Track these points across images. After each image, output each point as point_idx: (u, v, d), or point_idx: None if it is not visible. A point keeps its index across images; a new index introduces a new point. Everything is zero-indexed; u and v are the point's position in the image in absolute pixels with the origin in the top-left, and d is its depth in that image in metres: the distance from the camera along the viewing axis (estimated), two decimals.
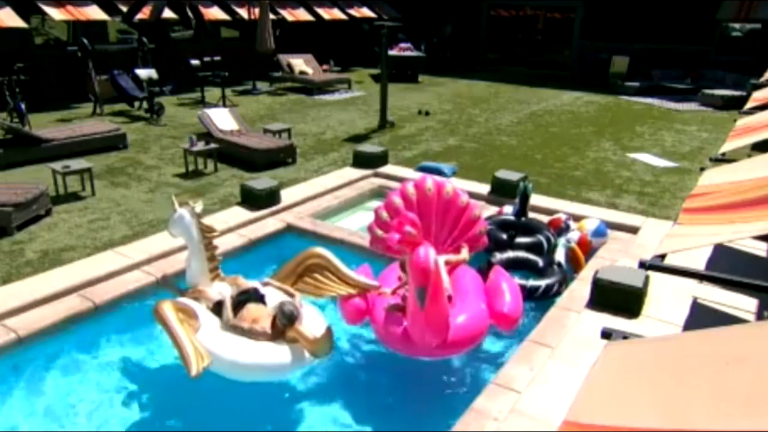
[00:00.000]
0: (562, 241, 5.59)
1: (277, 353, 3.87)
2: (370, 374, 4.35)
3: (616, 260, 5.50)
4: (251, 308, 4.13)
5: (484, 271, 4.92)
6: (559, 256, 5.42)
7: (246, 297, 4.24)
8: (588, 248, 5.78)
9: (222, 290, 4.38)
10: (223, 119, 9.68)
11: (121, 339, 4.56)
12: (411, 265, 3.82)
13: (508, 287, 4.44)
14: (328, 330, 3.89)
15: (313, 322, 4.10)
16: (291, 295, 4.31)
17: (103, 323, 4.66)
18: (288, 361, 3.85)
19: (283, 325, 3.91)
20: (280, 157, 8.79)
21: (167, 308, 3.79)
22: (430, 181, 4.94)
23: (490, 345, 4.66)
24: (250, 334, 3.94)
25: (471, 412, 3.59)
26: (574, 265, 5.41)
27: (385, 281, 4.58)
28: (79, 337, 4.50)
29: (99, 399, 3.99)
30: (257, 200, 6.73)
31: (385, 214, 4.91)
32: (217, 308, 4.19)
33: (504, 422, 3.47)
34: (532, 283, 5.07)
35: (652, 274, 4.54)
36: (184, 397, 4.03)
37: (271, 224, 6.48)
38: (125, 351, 4.48)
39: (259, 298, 4.28)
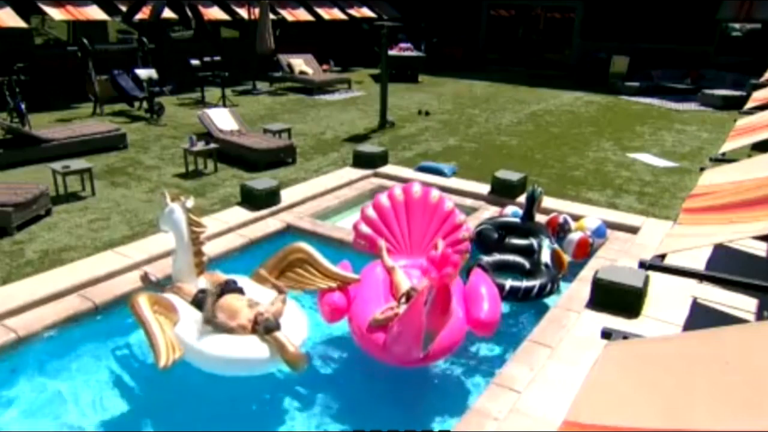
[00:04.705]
0: (546, 242, 5.58)
1: (258, 346, 3.84)
2: (368, 373, 4.34)
3: (616, 260, 5.50)
4: (230, 299, 4.13)
5: (469, 270, 4.96)
6: (545, 257, 5.41)
7: (222, 290, 4.25)
8: (588, 249, 5.77)
9: (203, 285, 4.40)
10: (223, 119, 9.68)
11: (121, 339, 4.55)
12: (434, 310, 3.51)
13: (487, 292, 4.36)
14: (306, 354, 3.89)
15: (294, 325, 4.09)
16: (281, 291, 4.31)
17: (103, 323, 4.66)
18: (268, 355, 3.81)
19: (261, 333, 3.90)
20: (280, 157, 8.79)
21: (141, 300, 3.79)
22: (417, 186, 5.35)
23: (490, 345, 4.66)
24: (228, 329, 3.93)
25: (471, 412, 3.59)
26: (558, 266, 5.40)
27: (365, 278, 4.58)
28: (79, 337, 4.50)
29: (99, 399, 3.99)
30: (257, 200, 6.73)
31: (371, 212, 5.19)
32: (197, 302, 4.20)
33: (504, 422, 3.47)
34: (525, 284, 5.05)
35: (652, 274, 4.54)
36: (184, 396, 4.04)
37: (271, 224, 6.48)
38: (125, 351, 4.48)
39: (237, 290, 4.30)
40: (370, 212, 5.23)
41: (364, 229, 5.16)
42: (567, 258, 5.55)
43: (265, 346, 3.83)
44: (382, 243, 4.97)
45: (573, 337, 4.31)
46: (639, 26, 17.93)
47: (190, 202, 4.62)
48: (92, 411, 3.89)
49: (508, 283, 5.00)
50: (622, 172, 8.76)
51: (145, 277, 5.00)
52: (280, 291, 4.33)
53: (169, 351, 3.51)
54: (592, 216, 6.31)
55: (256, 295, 4.30)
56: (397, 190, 5.33)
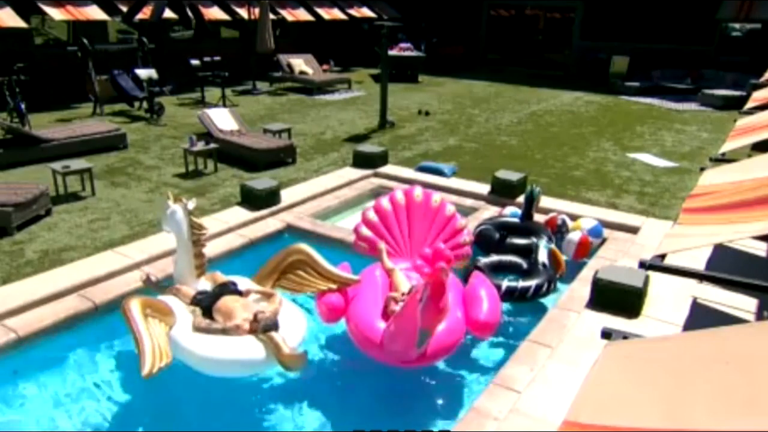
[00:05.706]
0: (543, 242, 5.58)
1: (254, 347, 3.83)
2: (367, 373, 4.34)
3: (616, 260, 5.50)
4: (227, 301, 4.13)
5: (468, 273, 4.96)
6: (542, 256, 5.40)
7: (220, 290, 4.25)
8: (588, 248, 5.77)
9: (204, 286, 4.41)
10: (223, 119, 9.68)
11: (120, 339, 4.54)
12: (429, 307, 3.52)
13: (487, 294, 4.35)
14: (304, 353, 3.89)
15: (292, 326, 4.08)
16: (271, 296, 4.30)
17: (103, 323, 4.66)
18: (264, 356, 3.80)
19: (260, 332, 3.89)
20: (280, 157, 8.79)
21: (133, 305, 3.78)
22: (419, 189, 5.34)
23: (491, 345, 4.66)
24: (224, 332, 3.94)
25: (471, 412, 3.59)
26: (555, 265, 5.40)
27: (364, 279, 4.57)
28: (79, 337, 4.50)
29: (99, 399, 3.99)
30: (257, 200, 6.73)
31: (372, 215, 5.18)
32: (196, 304, 4.20)
33: (504, 422, 3.47)
34: (522, 284, 5.04)
35: (652, 274, 4.54)
36: (183, 396, 4.04)
37: (271, 224, 6.48)
38: (125, 351, 4.47)
39: (235, 291, 4.29)
40: (371, 215, 5.23)
41: (365, 232, 5.16)
42: (564, 258, 5.55)
43: (260, 347, 3.83)
44: (382, 245, 4.99)
45: (573, 337, 4.31)
46: (639, 26, 17.92)
47: (192, 204, 4.63)
48: (92, 411, 3.89)
49: (504, 283, 5.01)
50: (622, 172, 8.76)
51: (147, 279, 4.99)
52: (271, 295, 4.32)
53: (155, 359, 3.49)
54: (588, 216, 6.31)
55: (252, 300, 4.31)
56: (399, 193, 5.32)
